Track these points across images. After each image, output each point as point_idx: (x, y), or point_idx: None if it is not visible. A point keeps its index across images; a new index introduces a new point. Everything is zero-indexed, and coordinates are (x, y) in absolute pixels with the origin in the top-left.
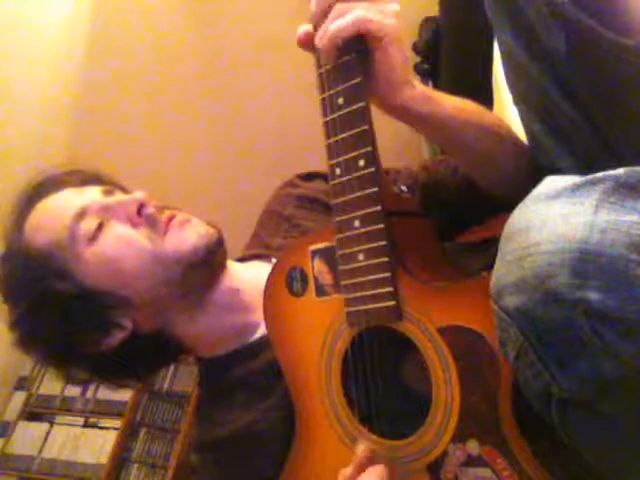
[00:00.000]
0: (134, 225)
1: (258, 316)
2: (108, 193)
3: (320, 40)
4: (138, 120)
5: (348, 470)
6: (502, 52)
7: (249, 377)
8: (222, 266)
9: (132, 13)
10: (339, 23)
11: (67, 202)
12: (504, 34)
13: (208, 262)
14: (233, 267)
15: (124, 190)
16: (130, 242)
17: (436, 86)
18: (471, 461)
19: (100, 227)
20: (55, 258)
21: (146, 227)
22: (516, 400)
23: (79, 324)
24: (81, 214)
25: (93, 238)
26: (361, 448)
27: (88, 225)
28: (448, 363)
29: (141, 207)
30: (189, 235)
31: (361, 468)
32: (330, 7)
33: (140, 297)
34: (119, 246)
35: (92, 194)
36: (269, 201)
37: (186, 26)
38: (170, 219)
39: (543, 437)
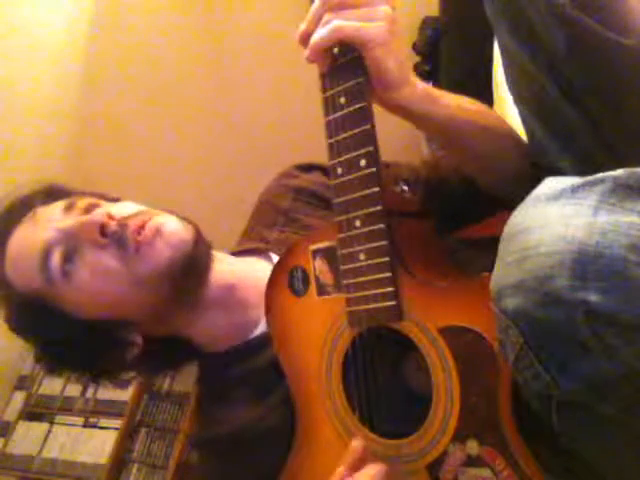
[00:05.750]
0: (102, 248)
1: (258, 313)
2: (69, 209)
3: (305, 51)
4: (138, 120)
5: (341, 469)
6: (502, 52)
7: (250, 374)
8: (209, 262)
9: (133, 14)
10: (317, 35)
11: (32, 240)
12: (504, 34)
13: (190, 267)
14: (228, 261)
15: (86, 195)
16: (103, 269)
17: (436, 86)
18: (471, 461)
19: (68, 258)
20: (44, 303)
21: (114, 247)
22: (516, 400)
23: (91, 351)
24: (47, 251)
25: (65, 274)
26: (354, 444)
27: (57, 261)
28: (448, 363)
29: (103, 227)
30: (161, 250)
31: (354, 466)
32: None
33: (135, 315)
34: (94, 277)
35: (53, 214)
36: (265, 191)
37: (187, 26)
38: (137, 231)
39: (543, 437)
